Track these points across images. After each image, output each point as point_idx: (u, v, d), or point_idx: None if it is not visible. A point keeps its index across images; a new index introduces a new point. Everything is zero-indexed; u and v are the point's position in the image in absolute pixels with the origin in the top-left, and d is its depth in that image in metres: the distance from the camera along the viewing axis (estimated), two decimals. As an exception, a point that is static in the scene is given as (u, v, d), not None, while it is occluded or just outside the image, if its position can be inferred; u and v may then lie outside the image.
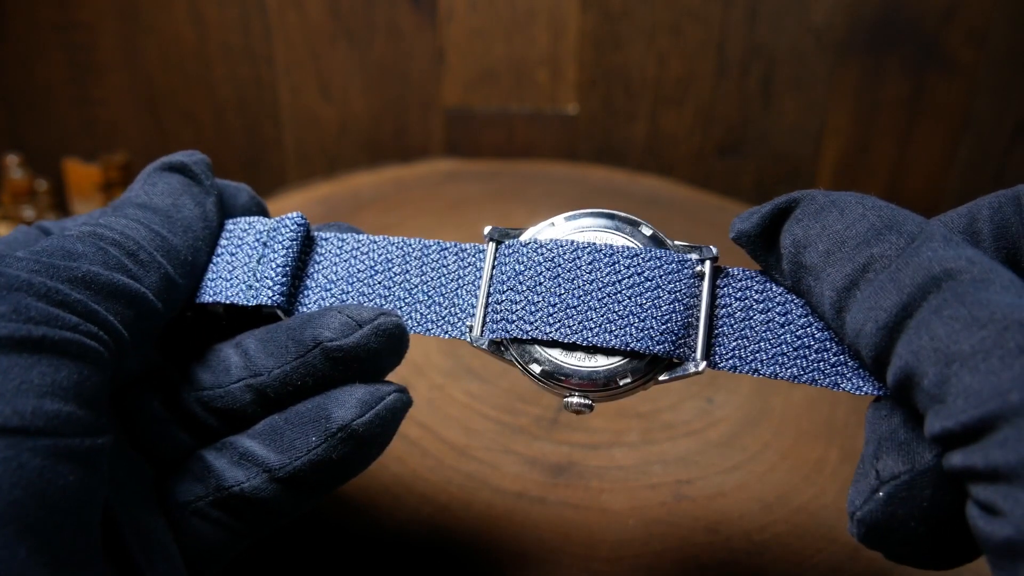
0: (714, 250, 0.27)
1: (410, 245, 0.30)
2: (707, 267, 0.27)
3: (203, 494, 0.25)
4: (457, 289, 0.29)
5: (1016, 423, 0.17)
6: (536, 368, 0.27)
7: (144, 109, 0.91)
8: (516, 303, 0.27)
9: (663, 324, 0.26)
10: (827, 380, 0.25)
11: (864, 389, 0.24)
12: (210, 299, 0.29)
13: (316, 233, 0.31)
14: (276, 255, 0.29)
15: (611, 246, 0.27)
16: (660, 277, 0.27)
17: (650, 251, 0.27)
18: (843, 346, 0.25)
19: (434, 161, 0.84)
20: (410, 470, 0.39)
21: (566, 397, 0.27)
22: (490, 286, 0.28)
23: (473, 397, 0.45)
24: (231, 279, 0.29)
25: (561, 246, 0.27)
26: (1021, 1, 0.75)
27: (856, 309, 0.22)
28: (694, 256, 0.27)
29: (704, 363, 0.26)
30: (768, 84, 0.81)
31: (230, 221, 0.30)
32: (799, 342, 0.25)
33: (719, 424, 0.44)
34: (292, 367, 0.26)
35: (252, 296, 0.28)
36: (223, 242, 0.30)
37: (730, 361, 0.26)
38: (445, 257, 0.29)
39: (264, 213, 0.33)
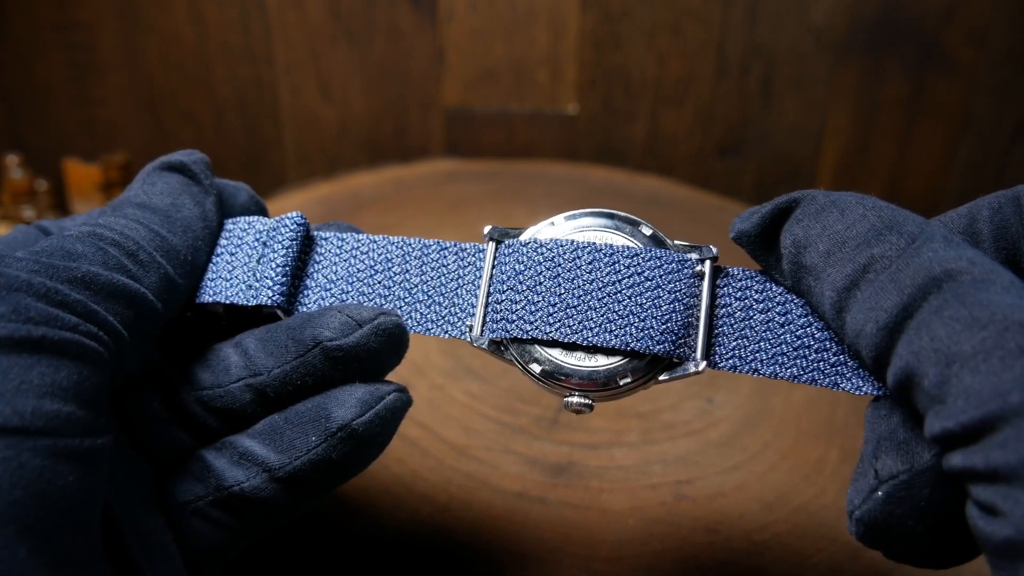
0: (714, 250, 0.27)
1: (410, 245, 0.30)
2: (707, 267, 0.27)
3: (203, 494, 0.25)
4: (457, 289, 0.29)
5: (1016, 424, 0.17)
6: (536, 368, 0.27)
7: (144, 109, 0.91)
8: (516, 303, 0.27)
9: (663, 324, 0.26)
10: (827, 380, 0.25)
11: (864, 389, 0.24)
12: (210, 299, 0.29)
13: (316, 233, 0.31)
14: (276, 255, 0.29)
15: (611, 246, 0.27)
16: (660, 277, 0.27)
17: (650, 251, 0.27)
18: (843, 346, 0.25)
19: (434, 161, 0.84)
20: (410, 470, 0.39)
21: (566, 397, 0.27)
22: (490, 286, 0.28)
23: (473, 397, 0.45)
24: (231, 279, 0.29)
25: (561, 246, 0.27)
26: (1021, 1, 0.75)
27: (856, 309, 0.22)
28: (694, 256, 0.27)
29: (704, 363, 0.26)
30: (768, 84, 0.81)
31: (229, 221, 0.30)
32: (799, 342, 0.25)
33: (719, 424, 0.44)
34: (292, 367, 0.26)
35: (252, 296, 0.28)
36: (223, 242, 0.30)
37: (730, 361, 0.26)
38: (445, 257, 0.29)
39: (263, 212, 0.33)
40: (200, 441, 0.27)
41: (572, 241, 0.27)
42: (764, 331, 0.26)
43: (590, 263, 0.27)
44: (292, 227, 0.29)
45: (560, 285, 0.27)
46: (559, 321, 0.27)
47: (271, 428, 0.26)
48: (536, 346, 0.27)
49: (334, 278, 0.30)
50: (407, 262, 0.30)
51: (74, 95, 0.92)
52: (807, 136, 0.83)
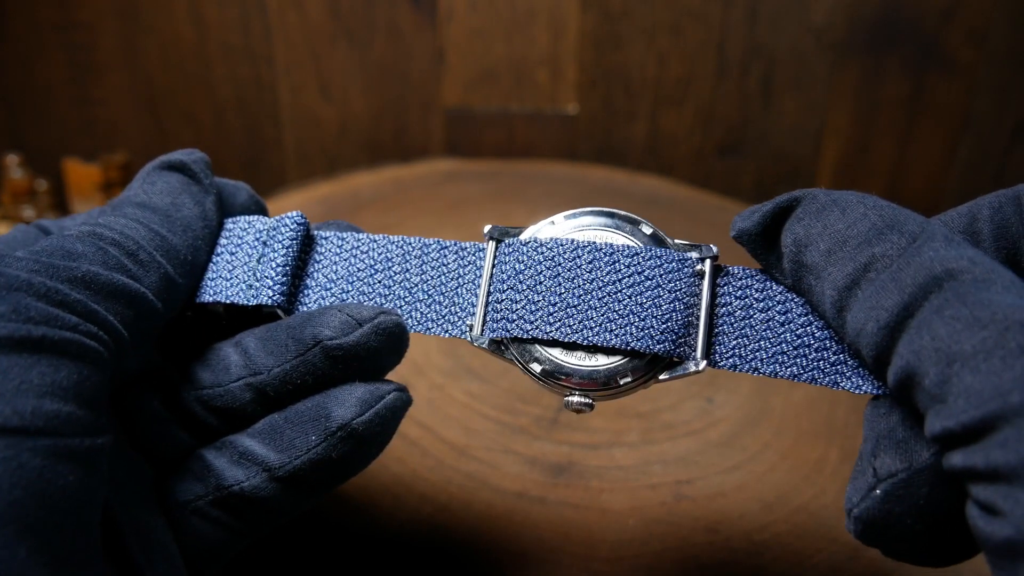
0: (714, 249, 0.27)
1: (410, 244, 0.30)
2: (707, 266, 0.27)
3: (203, 493, 0.25)
4: (457, 288, 0.29)
5: (1017, 424, 0.17)
6: (536, 367, 0.27)
7: (144, 109, 0.91)
8: (516, 302, 0.27)
9: (663, 323, 0.26)
10: (827, 379, 0.25)
11: (863, 388, 0.24)
12: (210, 299, 0.29)
13: (316, 232, 0.31)
14: (276, 254, 0.29)
15: (611, 245, 0.27)
16: (660, 276, 0.27)
17: (650, 250, 0.27)
18: (843, 345, 0.25)
19: (434, 161, 0.84)
20: (410, 470, 0.39)
21: (567, 396, 0.27)
22: (490, 285, 0.28)
23: (473, 397, 0.45)
24: (231, 278, 0.29)
25: (561, 245, 0.27)
26: (1021, 1, 0.75)
27: (857, 308, 0.22)
28: (694, 255, 0.27)
29: (704, 362, 0.26)
30: (768, 84, 0.81)
31: (229, 220, 0.30)
32: (799, 341, 0.25)
33: (719, 424, 0.44)
34: (292, 366, 0.26)
35: (252, 296, 0.28)
36: (223, 241, 0.30)
37: (730, 360, 0.26)
38: (445, 256, 0.29)
39: (263, 212, 0.33)
40: (200, 440, 0.27)
41: (572, 240, 0.27)
42: (764, 330, 0.26)
43: (590, 262, 0.27)
44: (292, 226, 0.29)
45: (560, 284, 0.27)
46: (559, 320, 0.26)
47: (271, 427, 0.26)
48: (536, 345, 0.27)
49: (334, 277, 0.30)
50: (407, 261, 0.30)
51: (74, 95, 0.92)
52: (807, 136, 0.83)
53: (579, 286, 0.27)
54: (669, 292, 0.26)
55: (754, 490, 0.39)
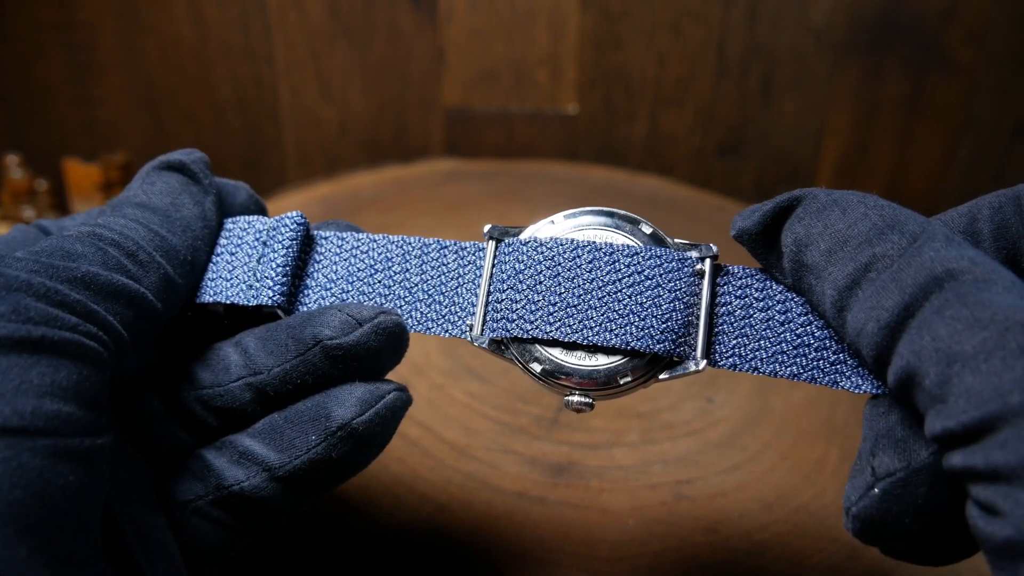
0: (714, 248, 0.27)
1: (410, 244, 0.30)
2: (707, 265, 0.27)
3: (203, 493, 0.25)
4: (457, 288, 0.29)
5: (1017, 424, 0.17)
6: (537, 367, 0.27)
7: (144, 109, 0.91)
8: (516, 302, 0.27)
9: (663, 323, 0.26)
10: (826, 378, 0.25)
11: (863, 387, 0.24)
12: (210, 299, 0.29)
13: (315, 232, 0.31)
14: (276, 255, 0.29)
15: (611, 244, 0.27)
16: (660, 276, 0.27)
17: (650, 249, 0.27)
18: (842, 345, 0.25)
19: (434, 161, 0.84)
20: (410, 470, 0.39)
21: (567, 396, 0.27)
22: (490, 284, 0.28)
23: (473, 397, 0.45)
24: (231, 279, 0.29)
25: (561, 244, 0.27)
26: (1021, 1, 0.75)
27: (858, 308, 0.22)
28: (694, 254, 0.27)
29: (704, 361, 0.26)
30: (768, 84, 0.81)
31: (229, 220, 0.30)
32: (799, 340, 0.25)
33: (719, 424, 0.44)
34: (292, 365, 0.26)
35: (253, 296, 0.28)
36: (222, 241, 0.30)
37: (730, 359, 0.26)
38: (445, 256, 0.29)
39: (262, 211, 0.33)
40: (200, 440, 0.27)
41: (572, 240, 0.27)
42: (764, 329, 0.26)
43: (590, 262, 0.27)
44: (292, 226, 0.29)
45: (560, 284, 0.27)
46: (559, 320, 0.26)
47: (271, 427, 0.26)
48: (537, 345, 0.27)
49: (334, 277, 0.30)
50: (407, 261, 0.30)
51: (74, 95, 0.92)
52: (807, 136, 0.83)
53: (579, 286, 0.27)
54: (669, 291, 0.26)
55: (754, 490, 0.39)
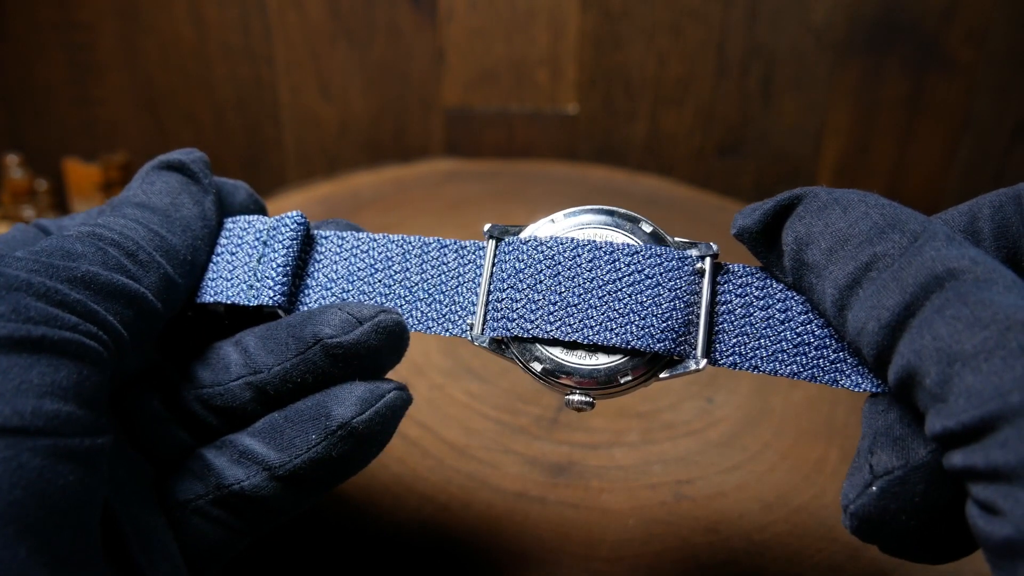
0: (714, 247, 0.27)
1: (410, 243, 0.30)
2: (707, 264, 0.27)
3: (203, 493, 0.25)
4: (457, 287, 0.29)
5: (1017, 424, 0.17)
6: (537, 366, 0.27)
7: (144, 109, 0.91)
8: (517, 301, 0.27)
9: (664, 322, 0.26)
10: (826, 377, 0.25)
11: (863, 386, 0.24)
12: (211, 299, 0.29)
13: (316, 231, 0.31)
14: (276, 254, 0.29)
15: (611, 243, 0.27)
16: (660, 274, 0.26)
17: (650, 248, 0.27)
18: (842, 343, 0.25)
19: (434, 161, 0.84)
20: (410, 470, 0.39)
21: (567, 395, 0.27)
22: (490, 284, 0.28)
23: (473, 397, 0.45)
24: (231, 279, 0.29)
25: (561, 243, 0.27)
26: (1021, 1, 0.75)
27: (858, 307, 0.22)
28: (694, 253, 0.27)
29: (705, 360, 0.26)
30: (768, 84, 0.81)
31: (229, 220, 0.30)
32: (799, 339, 0.25)
33: (719, 424, 0.44)
34: (292, 364, 0.26)
35: (253, 296, 0.28)
36: (223, 241, 0.30)
37: (730, 358, 0.26)
38: (445, 255, 0.29)
39: (262, 211, 0.33)
40: (200, 440, 0.27)
41: (572, 239, 0.27)
42: (764, 328, 0.26)
43: (590, 261, 0.27)
44: (292, 226, 0.29)
45: (560, 283, 0.27)
46: (560, 320, 0.26)
47: (271, 426, 0.26)
48: (537, 344, 0.27)
49: (335, 277, 0.30)
50: (407, 260, 0.30)
51: (74, 95, 0.92)
52: (807, 136, 0.83)
53: (579, 284, 0.27)
54: (669, 290, 0.26)
55: (754, 490, 0.39)
